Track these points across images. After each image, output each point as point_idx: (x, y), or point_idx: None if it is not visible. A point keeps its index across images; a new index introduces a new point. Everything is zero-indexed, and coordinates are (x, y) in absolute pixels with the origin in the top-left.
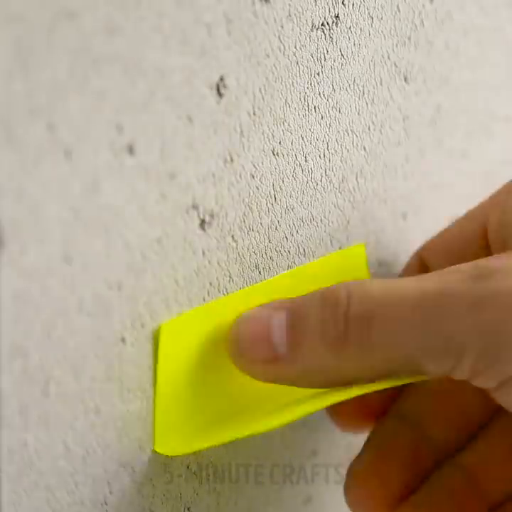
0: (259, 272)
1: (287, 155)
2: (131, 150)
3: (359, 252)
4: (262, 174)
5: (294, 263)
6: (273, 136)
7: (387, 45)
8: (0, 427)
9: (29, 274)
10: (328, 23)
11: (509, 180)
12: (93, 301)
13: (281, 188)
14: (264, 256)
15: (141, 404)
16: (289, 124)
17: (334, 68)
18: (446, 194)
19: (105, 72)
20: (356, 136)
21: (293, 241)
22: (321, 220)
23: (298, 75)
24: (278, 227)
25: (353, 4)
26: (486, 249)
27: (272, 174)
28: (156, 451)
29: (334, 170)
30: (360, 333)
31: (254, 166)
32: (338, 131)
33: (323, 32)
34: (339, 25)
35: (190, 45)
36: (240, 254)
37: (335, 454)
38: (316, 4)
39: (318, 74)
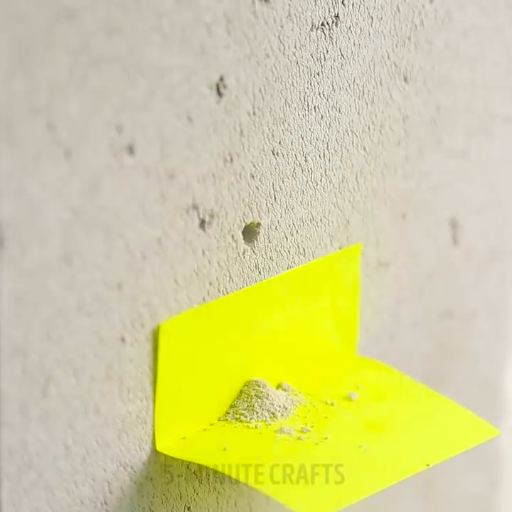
0: (259, 272)
1: (287, 155)
2: (130, 150)
3: (355, 252)
4: (262, 174)
5: (294, 263)
6: (273, 136)
7: (387, 45)
8: (0, 426)
9: (29, 274)
10: (328, 23)
11: None
12: (93, 301)
13: (281, 188)
14: (264, 256)
15: (141, 404)
16: (288, 124)
17: (334, 68)
18: (446, 194)
19: (105, 72)
20: (356, 136)
21: (293, 241)
22: (320, 220)
23: (298, 74)
24: (278, 227)
25: (352, 4)
26: None
27: (271, 174)
28: (156, 451)
29: (334, 170)
30: None
31: (254, 165)
32: (338, 131)
33: (323, 32)
34: (339, 25)
35: (190, 44)
36: (240, 254)
37: None
38: (315, 4)
39: (318, 74)
